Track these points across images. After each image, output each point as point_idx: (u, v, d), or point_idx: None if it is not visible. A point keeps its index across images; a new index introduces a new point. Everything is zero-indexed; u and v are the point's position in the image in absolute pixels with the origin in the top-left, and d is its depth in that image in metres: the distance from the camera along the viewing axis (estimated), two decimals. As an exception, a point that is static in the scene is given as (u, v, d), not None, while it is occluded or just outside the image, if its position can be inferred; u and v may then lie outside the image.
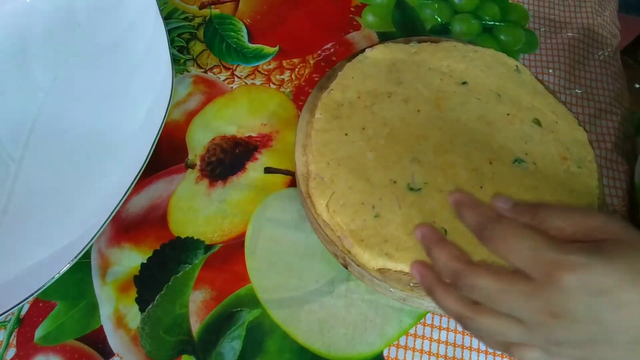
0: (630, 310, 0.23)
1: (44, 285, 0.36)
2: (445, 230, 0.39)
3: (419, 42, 0.50)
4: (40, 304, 0.41)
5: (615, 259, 0.23)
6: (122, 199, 0.38)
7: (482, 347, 0.40)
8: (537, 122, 0.45)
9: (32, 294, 0.35)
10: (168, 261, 0.43)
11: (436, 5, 0.58)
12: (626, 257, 0.23)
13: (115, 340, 0.40)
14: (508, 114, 0.45)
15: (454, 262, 0.27)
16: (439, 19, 0.57)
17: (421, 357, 0.39)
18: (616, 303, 0.23)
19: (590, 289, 0.23)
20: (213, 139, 0.49)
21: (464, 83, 0.47)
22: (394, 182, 0.41)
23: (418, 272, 0.30)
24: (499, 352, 0.39)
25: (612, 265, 0.23)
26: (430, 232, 0.29)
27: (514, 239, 0.25)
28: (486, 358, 0.39)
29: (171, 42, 0.53)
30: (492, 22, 0.57)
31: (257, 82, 0.52)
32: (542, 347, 0.26)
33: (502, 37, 0.56)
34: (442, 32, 0.56)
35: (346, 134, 0.44)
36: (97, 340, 0.40)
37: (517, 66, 0.48)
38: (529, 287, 0.24)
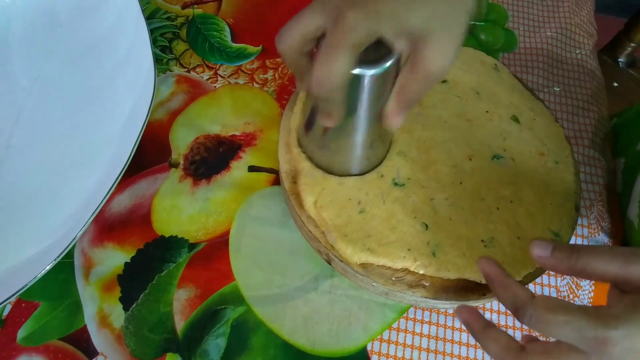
0: None
1: (26, 286, 0.35)
2: (427, 225, 0.40)
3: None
4: (23, 305, 0.41)
5: None
6: (104, 198, 0.38)
7: (464, 339, 0.40)
8: (516, 119, 0.46)
9: (14, 294, 0.35)
10: (152, 260, 0.43)
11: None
12: None
13: (99, 339, 0.40)
14: (487, 111, 0.46)
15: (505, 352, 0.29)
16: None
17: (404, 351, 0.40)
18: None
19: (635, 350, 0.25)
20: (197, 138, 0.49)
21: (444, 81, 0.47)
22: (382, 175, 0.42)
23: (462, 318, 0.32)
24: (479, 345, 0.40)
25: None
26: (475, 318, 0.31)
27: (555, 325, 0.26)
28: (467, 351, 0.40)
29: (154, 42, 0.53)
30: (472, 22, 0.58)
31: (241, 81, 0.53)
32: None
33: (482, 37, 0.57)
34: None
35: None
36: (81, 340, 0.40)
37: (495, 64, 0.49)
38: (581, 356, 0.26)
